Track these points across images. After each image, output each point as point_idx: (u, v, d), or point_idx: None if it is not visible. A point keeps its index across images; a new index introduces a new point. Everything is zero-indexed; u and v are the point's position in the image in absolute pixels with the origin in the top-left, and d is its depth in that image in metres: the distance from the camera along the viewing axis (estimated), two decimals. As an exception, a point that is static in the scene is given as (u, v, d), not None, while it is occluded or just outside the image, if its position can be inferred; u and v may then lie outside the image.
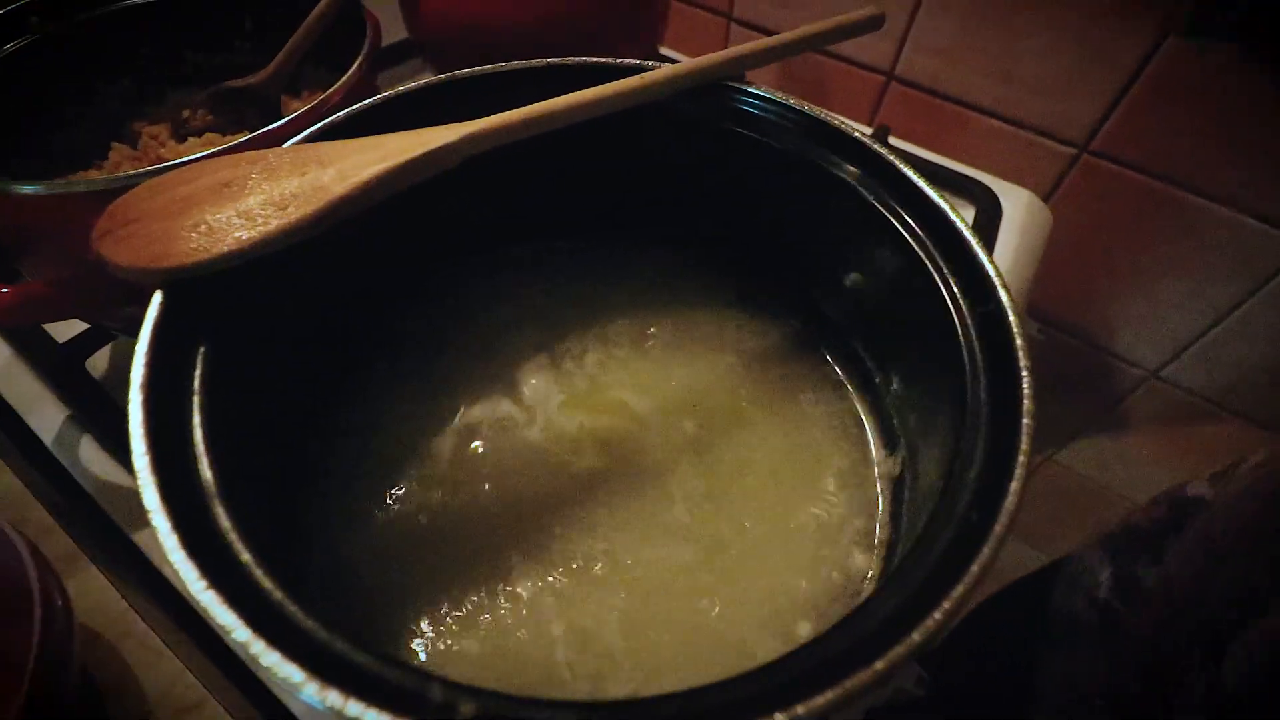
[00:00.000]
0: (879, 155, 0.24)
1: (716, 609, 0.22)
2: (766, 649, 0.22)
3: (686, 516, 0.25)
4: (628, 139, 0.27)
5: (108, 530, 0.30)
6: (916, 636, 0.13)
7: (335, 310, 0.26)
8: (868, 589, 0.24)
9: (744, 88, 0.26)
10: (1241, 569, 0.20)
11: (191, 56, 0.40)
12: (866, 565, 0.24)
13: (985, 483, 0.16)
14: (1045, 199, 0.50)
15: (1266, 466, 0.23)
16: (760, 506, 0.25)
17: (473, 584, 0.22)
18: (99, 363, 0.36)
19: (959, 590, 0.14)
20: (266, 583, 0.14)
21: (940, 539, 0.16)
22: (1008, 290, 0.20)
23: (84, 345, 0.35)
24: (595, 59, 0.27)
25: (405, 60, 0.53)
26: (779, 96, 0.26)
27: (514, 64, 0.27)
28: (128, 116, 0.39)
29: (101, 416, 0.33)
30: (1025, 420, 0.17)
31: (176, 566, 0.14)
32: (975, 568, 0.14)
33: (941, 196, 0.23)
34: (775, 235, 0.29)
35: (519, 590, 0.22)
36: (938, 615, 0.14)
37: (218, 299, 0.19)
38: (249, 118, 0.39)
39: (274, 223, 0.19)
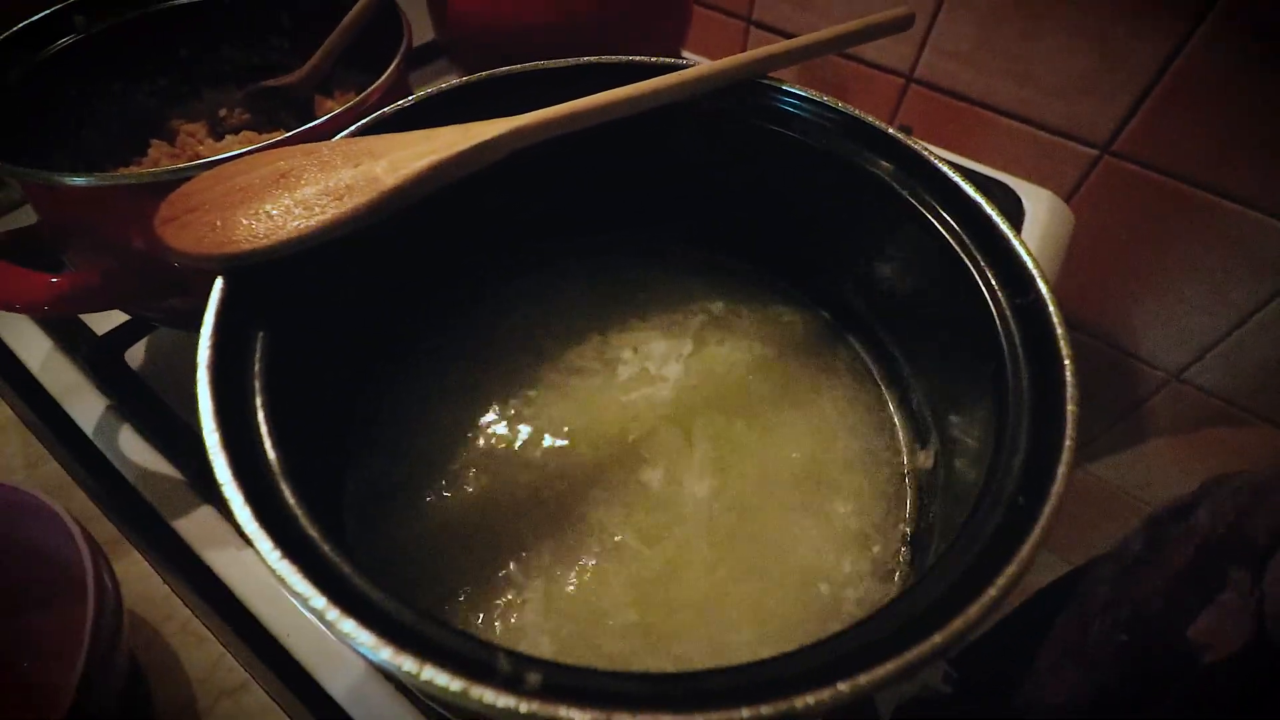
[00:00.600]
0: (914, 151, 0.24)
1: (745, 592, 0.23)
2: (802, 631, 0.22)
3: (714, 507, 0.25)
4: (662, 136, 0.28)
5: (149, 517, 0.31)
6: (973, 611, 0.13)
7: (378, 301, 0.26)
8: (900, 577, 0.24)
9: (778, 85, 0.27)
10: None
11: (229, 55, 0.41)
12: (897, 555, 0.25)
13: (1032, 468, 0.17)
14: (1066, 200, 0.50)
15: None
16: (789, 498, 0.25)
17: (511, 563, 0.23)
18: (136, 355, 0.37)
19: (1011, 569, 0.14)
20: (333, 556, 0.15)
21: (990, 521, 0.16)
22: (1047, 281, 0.20)
23: (123, 337, 0.36)
24: (632, 58, 0.27)
25: (432, 61, 0.54)
26: (813, 94, 0.26)
27: (552, 62, 0.27)
28: (165, 114, 0.40)
29: (141, 407, 0.34)
30: (1070, 407, 0.17)
31: (251, 537, 0.14)
32: (1026, 548, 0.15)
33: (977, 191, 0.23)
34: (808, 230, 0.29)
35: (556, 569, 0.23)
36: (992, 592, 0.14)
37: (272, 287, 0.20)
38: (284, 117, 0.40)
39: (330, 212, 0.20)
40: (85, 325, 0.37)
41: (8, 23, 0.34)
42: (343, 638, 0.13)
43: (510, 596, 0.22)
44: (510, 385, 0.27)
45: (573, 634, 0.21)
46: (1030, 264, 0.21)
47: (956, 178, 0.23)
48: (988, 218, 0.22)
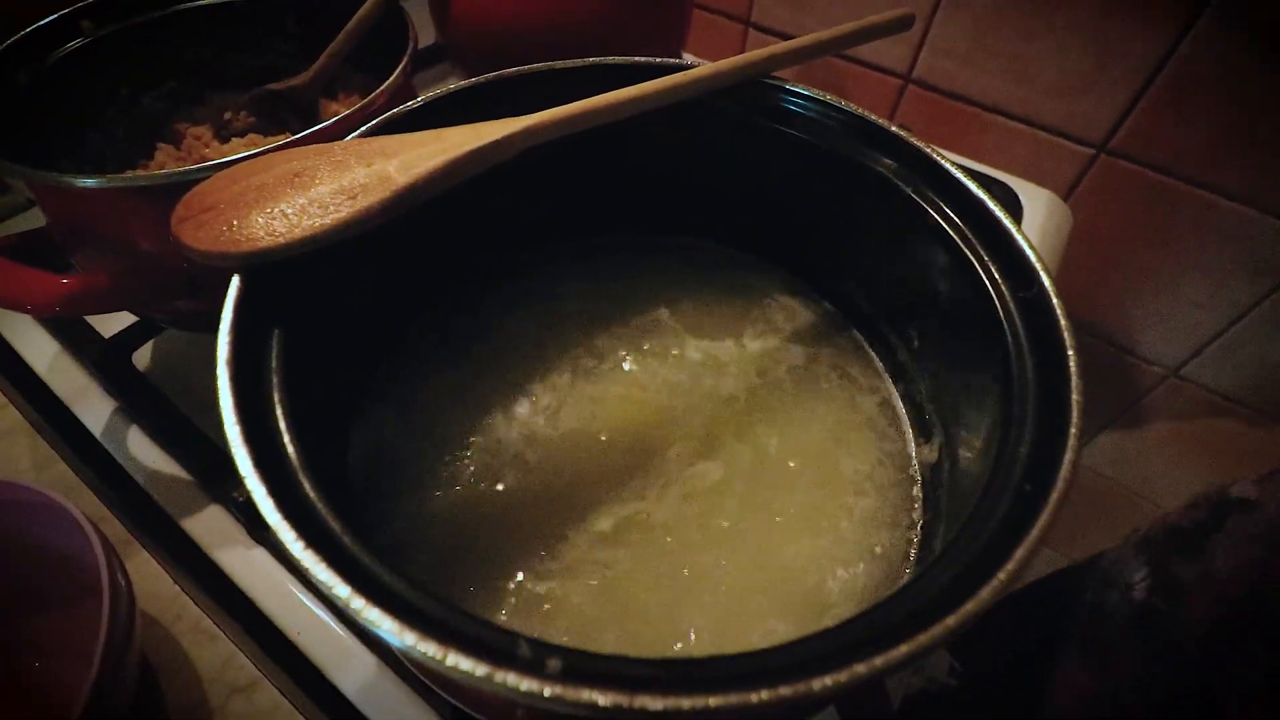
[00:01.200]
0: (916, 148, 0.25)
1: (758, 583, 0.23)
2: (813, 621, 0.22)
3: (724, 500, 0.25)
4: (666, 135, 0.28)
5: (158, 518, 0.31)
6: (985, 594, 0.14)
7: (389, 299, 0.27)
8: (907, 571, 0.24)
9: (781, 84, 0.27)
10: None
11: (234, 59, 0.41)
12: (905, 548, 0.25)
13: (1038, 457, 0.17)
14: (1064, 198, 0.50)
15: None
16: (795, 492, 0.26)
17: (519, 556, 0.23)
18: (143, 356, 0.37)
19: (1020, 553, 0.15)
20: (354, 546, 0.15)
21: (998, 509, 0.16)
22: (1050, 274, 0.21)
23: (130, 339, 0.36)
24: (637, 59, 0.27)
25: (434, 64, 0.54)
26: (816, 93, 0.27)
27: (559, 63, 0.28)
28: (171, 117, 0.40)
29: (149, 408, 0.34)
30: (1075, 396, 0.18)
31: (274, 528, 0.14)
32: (1034, 533, 0.15)
33: (980, 188, 0.23)
34: (812, 227, 0.29)
35: (569, 558, 0.23)
36: (1001, 576, 0.14)
37: (286, 285, 0.20)
38: (289, 119, 0.40)
39: (345, 210, 0.20)
40: (92, 327, 0.37)
41: (16, 26, 0.34)
42: (368, 625, 0.13)
43: (521, 587, 0.22)
44: (518, 383, 0.28)
45: (585, 623, 0.22)
46: (1033, 257, 0.21)
47: (959, 174, 0.24)
48: (990, 213, 0.23)
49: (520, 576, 0.23)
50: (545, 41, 0.42)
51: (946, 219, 0.24)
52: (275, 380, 0.18)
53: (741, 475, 0.26)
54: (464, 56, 0.47)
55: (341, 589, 0.13)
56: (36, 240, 0.31)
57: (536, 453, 0.26)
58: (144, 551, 0.30)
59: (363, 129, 0.24)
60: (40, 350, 0.37)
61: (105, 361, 0.35)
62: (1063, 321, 0.19)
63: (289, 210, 0.20)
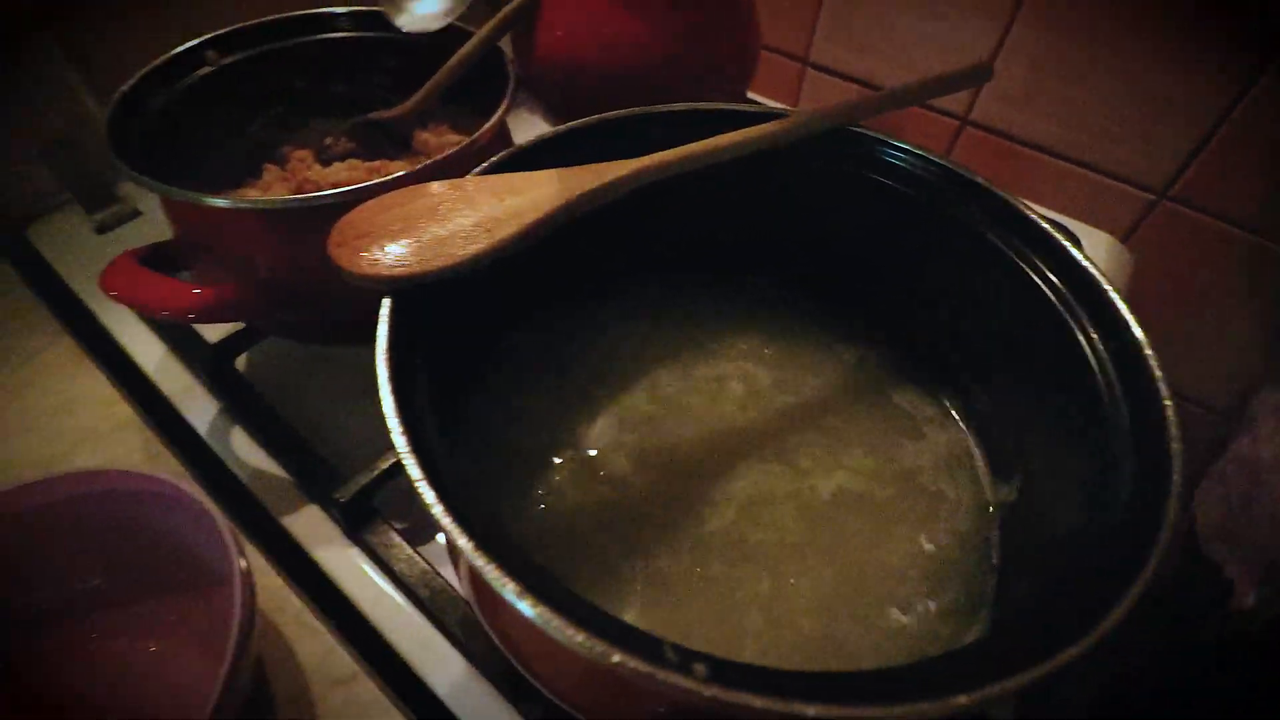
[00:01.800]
0: (1001, 198, 0.26)
1: (840, 627, 0.24)
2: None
3: (799, 522, 0.26)
4: (755, 181, 0.30)
5: (260, 514, 0.33)
6: (1085, 642, 0.15)
7: (499, 320, 0.29)
8: (985, 606, 0.25)
9: (873, 134, 0.29)
10: None
11: (336, 89, 0.44)
12: (983, 588, 0.26)
13: (1140, 502, 0.18)
14: (1123, 242, 0.51)
15: None
16: (876, 527, 0.26)
17: (618, 567, 0.24)
18: (242, 361, 0.39)
19: (1134, 589, 0.16)
20: (512, 554, 0.16)
21: (1096, 554, 0.17)
22: (1141, 325, 0.22)
23: (234, 344, 0.39)
24: (730, 105, 0.29)
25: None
26: (909, 145, 0.28)
27: (657, 108, 0.29)
28: (278, 140, 0.43)
29: (250, 410, 0.36)
30: (1174, 446, 0.19)
31: (447, 531, 0.16)
32: (1147, 572, 0.16)
33: (1065, 237, 0.25)
34: (894, 272, 0.31)
35: (668, 569, 0.24)
36: (1115, 614, 0.15)
37: (423, 306, 0.22)
38: (385, 146, 0.43)
39: (483, 242, 0.22)
40: (197, 333, 0.40)
41: (148, 56, 0.37)
42: (540, 624, 0.14)
43: (620, 596, 0.24)
44: (606, 402, 0.29)
45: (687, 629, 0.23)
46: (1124, 308, 0.22)
47: (1045, 224, 0.25)
48: (1077, 262, 0.24)
49: (625, 581, 0.24)
50: (623, 79, 0.44)
51: (1033, 267, 0.25)
52: (424, 392, 0.20)
53: (817, 500, 0.27)
54: (544, 91, 0.50)
55: (510, 588, 0.15)
56: (166, 251, 0.33)
57: (629, 465, 0.27)
58: (248, 544, 0.32)
59: (485, 165, 0.26)
60: (149, 352, 0.40)
61: (211, 365, 0.38)
62: (1157, 372, 0.20)
63: (437, 240, 0.22)
